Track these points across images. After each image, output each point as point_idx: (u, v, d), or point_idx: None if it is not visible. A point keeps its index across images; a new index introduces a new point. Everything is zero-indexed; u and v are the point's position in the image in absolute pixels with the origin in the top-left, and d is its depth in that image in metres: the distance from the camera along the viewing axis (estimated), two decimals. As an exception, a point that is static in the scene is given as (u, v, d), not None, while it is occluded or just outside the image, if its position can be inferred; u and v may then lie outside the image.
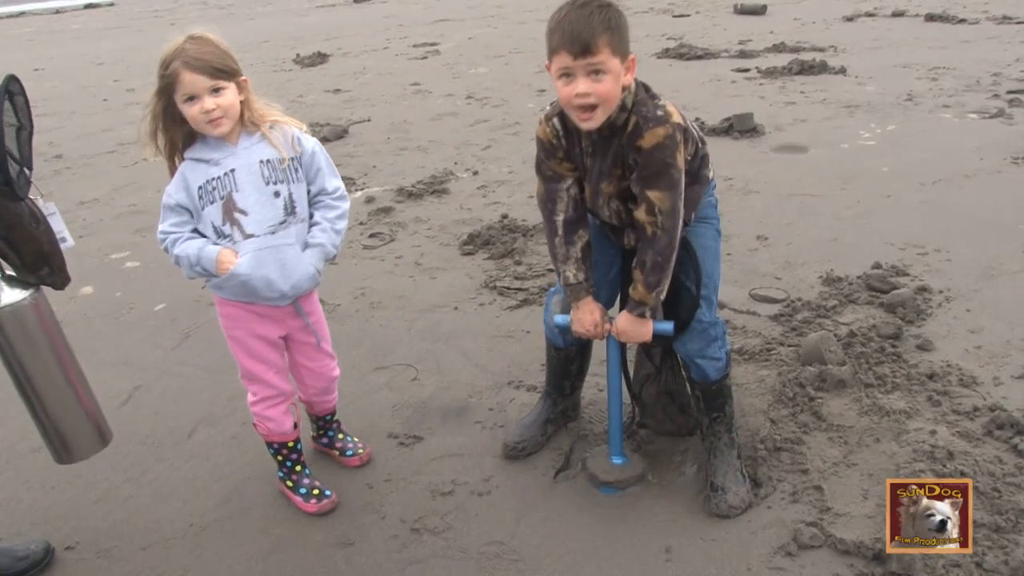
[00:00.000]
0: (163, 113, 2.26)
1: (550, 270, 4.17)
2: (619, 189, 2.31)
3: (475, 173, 6.04)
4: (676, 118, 2.19)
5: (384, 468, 2.82)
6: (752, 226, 4.63)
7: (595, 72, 2.08)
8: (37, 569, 2.44)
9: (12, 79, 2.04)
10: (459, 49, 12.00)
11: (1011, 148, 5.58)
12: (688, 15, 13.58)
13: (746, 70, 8.76)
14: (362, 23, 16.68)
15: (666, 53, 9.92)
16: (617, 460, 2.63)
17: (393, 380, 3.36)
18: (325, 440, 2.88)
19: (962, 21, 10.76)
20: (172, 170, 2.35)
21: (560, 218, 2.41)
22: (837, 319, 3.51)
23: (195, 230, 2.35)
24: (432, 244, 4.77)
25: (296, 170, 2.37)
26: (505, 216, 4.97)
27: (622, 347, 2.58)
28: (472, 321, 3.80)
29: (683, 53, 9.87)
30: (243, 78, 2.28)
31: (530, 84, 8.99)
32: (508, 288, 4.06)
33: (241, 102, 2.29)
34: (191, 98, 2.19)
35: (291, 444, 2.64)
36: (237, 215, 2.29)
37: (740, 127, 6.40)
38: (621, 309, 2.51)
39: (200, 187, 2.29)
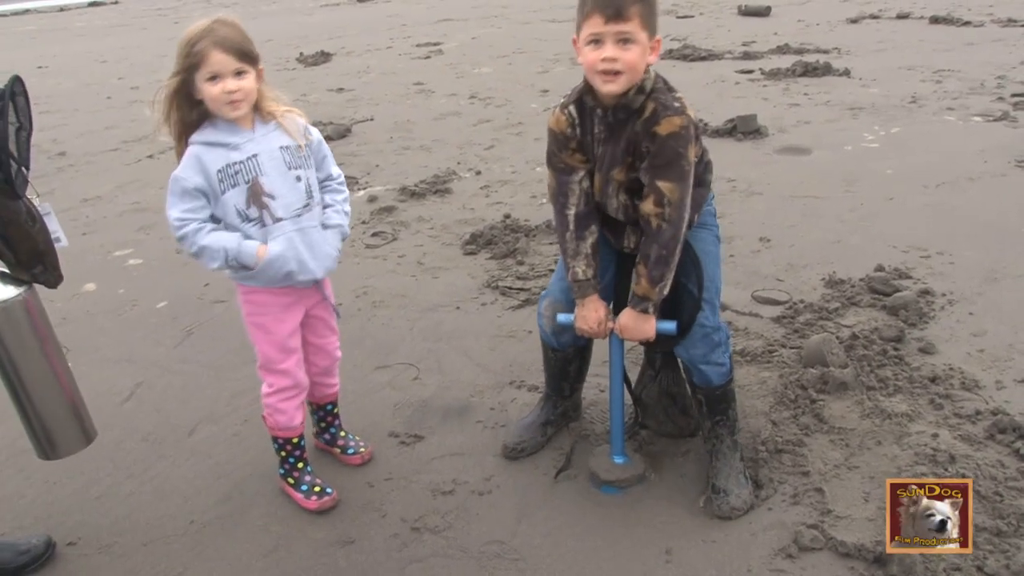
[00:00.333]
0: (179, 93, 2.29)
1: (552, 271, 4.17)
2: (629, 179, 2.31)
3: (478, 173, 6.04)
4: (691, 113, 2.22)
5: (385, 467, 2.82)
6: (755, 228, 4.63)
7: (624, 40, 2.11)
8: (38, 563, 2.44)
9: (16, 80, 2.06)
10: (462, 49, 12.00)
11: (1015, 151, 5.57)
12: (692, 16, 13.58)
13: (750, 72, 8.75)
14: (366, 22, 16.70)
15: (670, 54, 9.91)
16: (619, 459, 2.63)
17: (395, 379, 3.36)
18: (327, 437, 2.89)
19: (967, 23, 10.75)
20: (180, 152, 2.36)
21: (572, 212, 2.41)
22: (839, 321, 3.51)
23: (212, 216, 2.36)
24: (434, 243, 4.77)
25: (308, 157, 2.46)
26: (507, 216, 4.97)
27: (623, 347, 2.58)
28: (474, 321, 3.80)
29: (687, 54, 9.86)
30: (261, 67, 2.34)
31: (533, 84, 8.99)
32: (510, 288, 4.06)
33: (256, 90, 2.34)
34: (214, 77, 2.23)
35: (295, 440, 2.64)
36: (265, 199, 2.34)
37: (744, 128, 6.40)
38: (616, 313, 2.52)
39: (220, 170, 2.30)
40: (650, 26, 2.14)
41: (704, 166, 2.42)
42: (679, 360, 2.63)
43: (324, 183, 2.54)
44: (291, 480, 2.67)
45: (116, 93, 10.50)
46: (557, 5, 15.96)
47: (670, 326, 2.41)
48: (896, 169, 5.46)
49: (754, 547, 2.34)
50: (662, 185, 2.20)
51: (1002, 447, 2.64)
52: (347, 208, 2.60)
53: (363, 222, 5.13)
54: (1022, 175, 5.17)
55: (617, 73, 2.14)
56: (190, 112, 2.33)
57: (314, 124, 2.58)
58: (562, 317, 2.57)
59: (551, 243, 4.49)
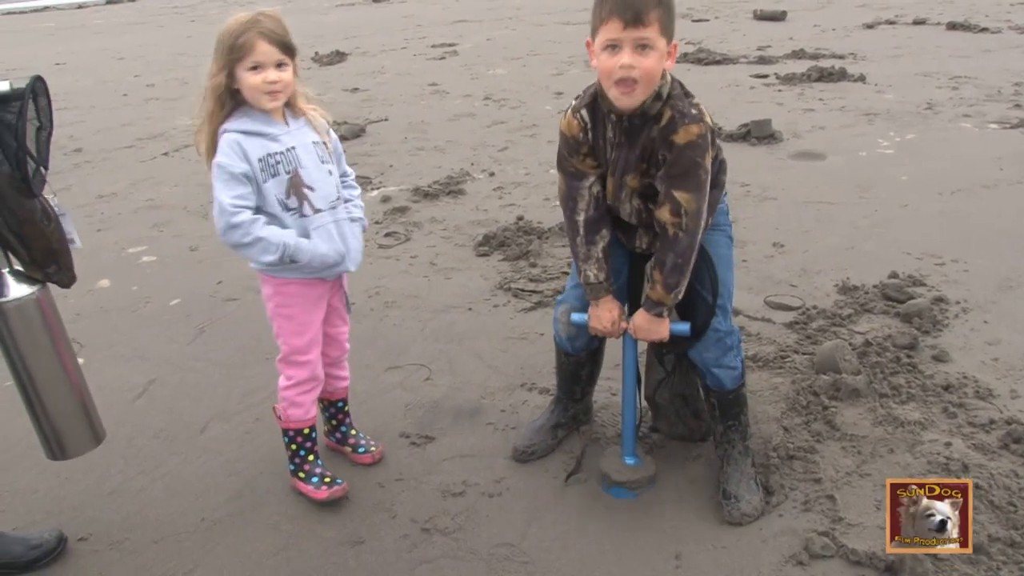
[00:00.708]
0: (225, 89, 2.32)
1: (565, 273, 4.17)
2: (642, 185, 2.30)
3: (491, 174, 6.05)
4: (708, 119, 2.19)
5: (396, 467, 2.82)
6: (768, 233, 4.61)
7: (642, 47, 2.07)
8: (50, 558, 2.46)
9: (38, 80, 2.08)
10: (477, 50, 12.01)
11: (1032, 159, 5.53)
12: (707, 20, 13.55)
13: (765, 76, 8.73)
14: (381, 22, 16.73)
15: (685, 58, 9.89)
16: (630, 460, 2.62)
17: (406, 380, 3.37)
18: (338, 436, 2.89)
19: (984, 30, 10.68)
20: (206, 138, 2.38)
21: (581, 217, 2.40)
22: (852, 328, 3.49)
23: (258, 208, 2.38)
24: (447, 245, 4.77)
25: (332, 153, 2.54)
26: (521, 218, 4.97)
27: (637, 348, 2.58)
28: (486, 322, 3.80)
29: (702, 58, 9.84)
30: (297, 61, 2.39)
31: (548, 86, 8.99)
32: (522, 290, 4.06)
33: None
34: (256, 67, 2.27)
35: (306, 431, 2.66)
36: (305, 190, 2.40)
37: (758, 133, 6.38)
38: (631, 314, 2.51)
39: (260, 159, 2.33)
40: (668, 32, 2.11)
41: (719, 165, 2.39)
42: (692, 363, 2.63)
43: (341, 179, 2.60)
44: (301, 474, 2.68)
45: (132, 90, 10.56)
46: (571, 7, 15.96)
47: (684, 327, 2.41)
48: (911, 176, 5.43)
49: (764, 554, 2.34)
50: (679, 195, 2.18)
51: (1016, 457, 2.62)
52: (361, 203, 2.66)
53: (376, 222, 5.14)
54: (1039, 183, 5.13)
55: (634, 82, 2.10)
56: (228, 102, 2.36)
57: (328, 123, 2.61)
58: (576, 316, 2.57)
59: (563, 245, 4.49)
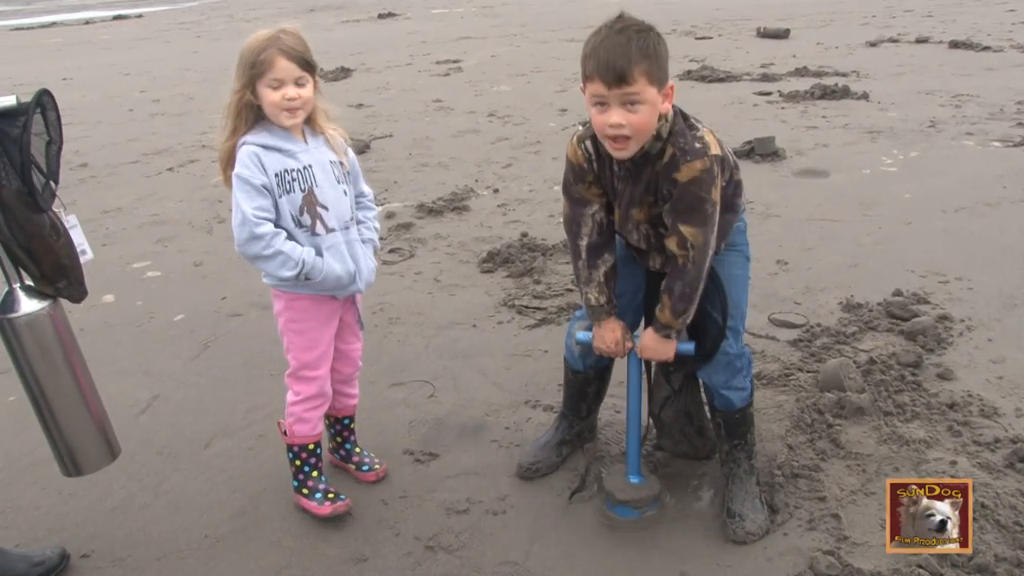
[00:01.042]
0: (246, 105, 2.34)
1: (569, 290, 4.18)
2: (650, 215, 2.29)
3: (496, 191, 6.06)
4: (715, 149, 2.15)
5: (399, 484, 2.82)
6: (772, 250, 4.61)
7: (630, 103, 2.03)
8: (52, 575, 2.45)
9: (45, 93, 2.08)
10: (481, 67, 12.06)
11: (1035, 177, 5.54)
12: (710, 37, 13.60)
13: (768, 93, 8.75)
14: (386, 39, 16.82)
15: (688, 75, 9.93)
16: (634, 479, 2.61)
17: (410, 396, 3.37)
18: (342, 453, 2.89)
19: (986, 48, 10.71)
20: (232, 154, 2.38)
21: (584, 242, 2.39)
22: (857, 346, 3.49)
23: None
24: (451, 261, 4.78)
25: (348, 173, 2.55)
26: (525, 235, 4.98)
27: (643, 367, 2.57)
28: (490, 339, 3.80)
29: (705, 75, 9.88)
30: (318, 78, 2.41)
31: (552, 103, 9.03)
32: (527, 307, 4.07)
33: None
34: (276, 84, 2.30)
35: (311, 447, 2.66)
36: (319, 209, 2.41)
37: (761, 151, 6.40)
38: (646, 328, 2.51)
39: (277, 174, 2.35)
40: (659, 80, 2.04)
41: (734, 188, 2.35)
42: (700, 382, 2.62)
43: (357, 199, 2.62)
44: (305, 490, 2.67)
45: (138, 106, 10.61)
46: (575, 24, 16.04)
47: (689, 347, 2.41)
48: (914, 193, 5.44)
49: (770, 573, 2.33)
50: (684, 230, 2.17)
51: (1022, 475, 2.61)
52: (377, 224, 2.69)
53: (381, 238, 5.13)
54: (1042, 201, 5.14)
55: (626, 138, 2.08)
56: (251, 117, 2.38)
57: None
58: (581, 335, 2.57)
59: (567, 263, 4.49)
